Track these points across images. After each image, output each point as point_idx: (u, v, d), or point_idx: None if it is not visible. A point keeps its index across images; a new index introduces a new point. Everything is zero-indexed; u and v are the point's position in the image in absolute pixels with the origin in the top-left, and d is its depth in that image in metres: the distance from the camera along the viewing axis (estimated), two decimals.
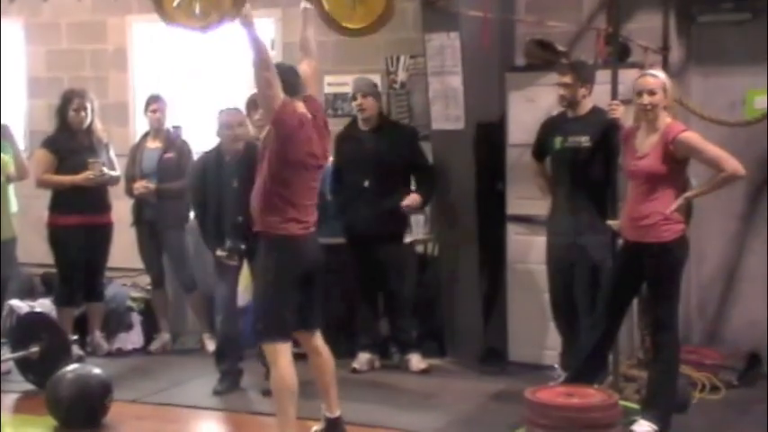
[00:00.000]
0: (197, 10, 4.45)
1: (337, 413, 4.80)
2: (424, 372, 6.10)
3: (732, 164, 4.67)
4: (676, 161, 4.73)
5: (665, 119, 4.76)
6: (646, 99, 4.75)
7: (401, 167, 6.14)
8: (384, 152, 6.06)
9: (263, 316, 4.62)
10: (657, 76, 4.81)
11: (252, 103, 6.31)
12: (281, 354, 4.56)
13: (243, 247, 5.46)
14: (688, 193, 4.79)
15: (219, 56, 7.58)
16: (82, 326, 6.60)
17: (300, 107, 4.60)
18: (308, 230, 4.65)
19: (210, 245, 5.72)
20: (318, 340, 4.80)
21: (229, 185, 5.58)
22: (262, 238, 4.65)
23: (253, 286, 4.89)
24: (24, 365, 5.87)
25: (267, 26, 7.36)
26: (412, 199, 6.06)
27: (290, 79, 4.58)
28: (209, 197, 5.70)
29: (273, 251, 4.60)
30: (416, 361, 6.15)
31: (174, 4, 4.48)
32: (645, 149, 4.77)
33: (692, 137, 4.72)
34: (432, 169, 6.28)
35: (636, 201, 4.83)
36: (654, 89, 4.75)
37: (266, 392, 5.56)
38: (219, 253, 5.56)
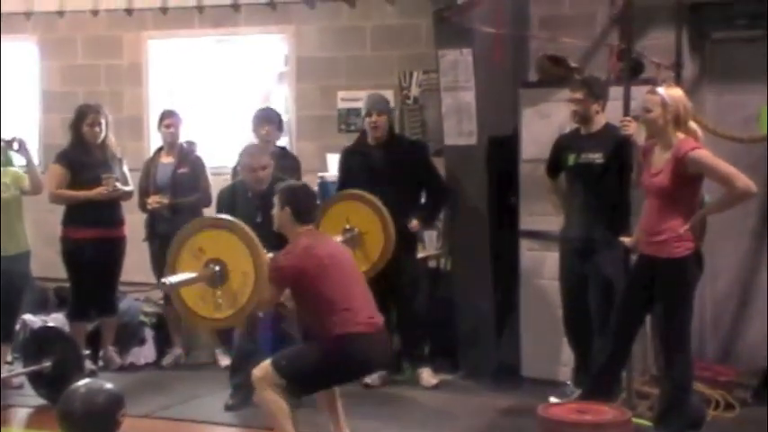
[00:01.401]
0: (219, 300, 4.44)
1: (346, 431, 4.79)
2: (436, 387, 6.08)
3: (743, 181, 4.63)
4: (688, 178, 4.71)
5: (677, 135, 4.75)
6: (641, 116, 4.80)
7: (412, 183, 6.12)
8: (395, 168, 6.04)
9: (288, 367, 4.49)
10: (656, 93, 4.79)
11: (257, 119, 6.34)
12: (272, 388, 4.51)
13: None
14: (701, 211, 4.77)
15: (233, 72, 7.62)
16: (94, 340, 6.62)
17: (304, 243, 4.58)
18: (373, 324, 4.57)
19: None
20: None
21: (253, 220, 5.55)
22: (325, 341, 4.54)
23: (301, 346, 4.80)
24: (37, 380, 5.88)
25: (281, 42, 7.42)
26: (414, 224, 6.04)
27: (305, 206, 4.67)
28: None
29: (328, 351, 4.50)
30: (428, 376, 6.13)
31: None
32: (659, 166, 4.76)
33: (701, 154, 4.69)
34: (442, 184, 6.25)
35: (650, 216, 4.83)
36: (649, 106, 4.76)
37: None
38: None
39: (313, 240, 4.62)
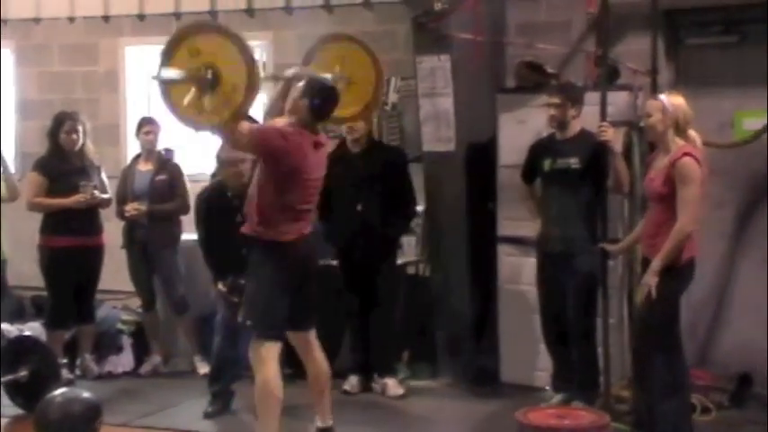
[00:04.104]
0: (207, 106, 4.35)
1: (329, 422, 4.80)
2: (412, 394, 6.05)
3: (687, 218, 4.65)
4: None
5: (676, 141, 4.78)
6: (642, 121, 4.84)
7: (392, 189, 6.08)
8: (375, 175, 6.02)
9: (252, 313, 4.58)
10: (657, 99, 4.86)
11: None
12: (269, 357, 4.52)
13: (244, 282, 5.41)
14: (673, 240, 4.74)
15: None
16: (72, 349, 6.57)
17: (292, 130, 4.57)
18: (302, 234, 4.63)
19: (214, 277, 5.68)
20: (313, 340, 4.78)
21: (232, 220, 5.53)
22: (253, 240, 4.63)
23: (245, 285, 4.84)
24: (13, 389, 5.83)
25: (259, 48, 7.41)
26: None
27: (323, 110, 4.63)
28: (215, 231, 5.64)
29: (264, 255, 4.58)
30: (393, 386, 6.08)
31: (185, 101, 4.39)
32: (657, 171, 4.81)
33: (685, 165, 4.68)
34: (410, 196, 6.14)
35: (649, 220, 4.90)
36: (649, 111, 4.83)
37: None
38: (221, 288, 5.54)
39: (308, 144, 4.57)
